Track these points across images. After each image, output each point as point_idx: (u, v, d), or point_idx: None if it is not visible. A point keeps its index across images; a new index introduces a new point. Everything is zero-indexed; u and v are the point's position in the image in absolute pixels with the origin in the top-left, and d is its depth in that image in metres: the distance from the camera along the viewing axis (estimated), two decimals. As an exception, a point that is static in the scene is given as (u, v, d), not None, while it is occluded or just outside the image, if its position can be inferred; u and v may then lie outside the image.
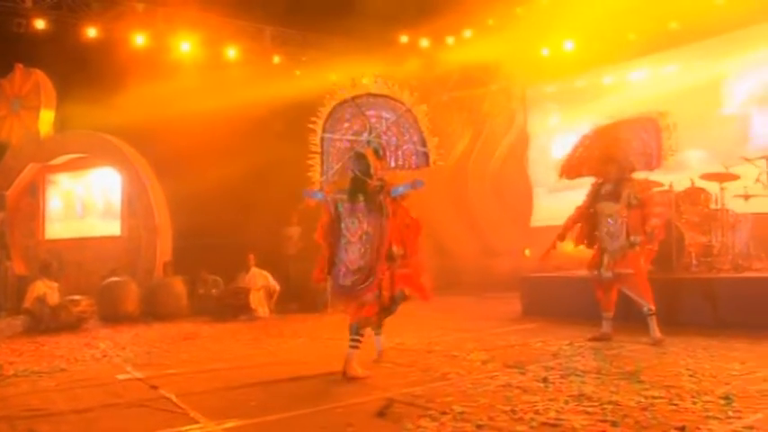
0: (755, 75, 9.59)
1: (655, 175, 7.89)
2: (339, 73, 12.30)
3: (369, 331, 5.06)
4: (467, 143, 13.57)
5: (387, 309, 4.99)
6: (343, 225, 4.84)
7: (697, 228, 7.57)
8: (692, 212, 7.68)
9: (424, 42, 12.23)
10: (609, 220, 5.89)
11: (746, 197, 7.43)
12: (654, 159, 5.89)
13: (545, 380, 4.37)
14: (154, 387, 4.65)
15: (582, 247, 6.29)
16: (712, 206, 7.69)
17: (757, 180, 7.42)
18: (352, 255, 4.76)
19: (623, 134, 6.06)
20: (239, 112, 10.58)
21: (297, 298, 9.90)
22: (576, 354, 5.32)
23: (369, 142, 5.05)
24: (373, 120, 5.13)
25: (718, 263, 7.29)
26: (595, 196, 6.04)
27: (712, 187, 7.72)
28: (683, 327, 6.17)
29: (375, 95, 5.15)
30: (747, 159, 7.60)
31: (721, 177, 7.58)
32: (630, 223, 5.80)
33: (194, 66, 11.00)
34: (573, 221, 6.24)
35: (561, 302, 7.64)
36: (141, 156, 11.05)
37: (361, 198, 4.80)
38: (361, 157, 4.88)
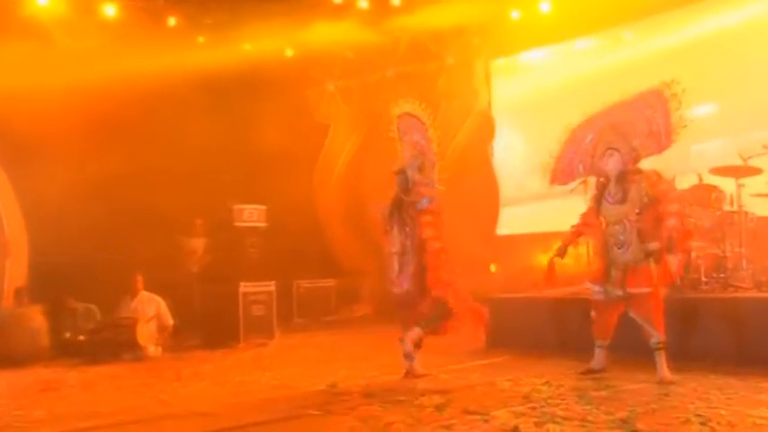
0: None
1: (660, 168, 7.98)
2: (255, 42, 12.25)
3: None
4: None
5: (426, 323, 6.28)
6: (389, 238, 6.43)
7: (707, 235, 7.61)
8: (701, 216, 7.71)
9: (363, 3, 12.12)
10: (616, 227, 5.92)
11: (771, 196, 7.50)
12: (663, 137, 5.90)
13: (515, 430, 4.32)
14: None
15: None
16: (726, 208, 7.74)
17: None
18: (395, 266, 6.37)
19: (624, 117, 6.10)
20: (120, 88, 10.29)
21: (200, 329, 9.78)
22: (554, 395, 5.28)
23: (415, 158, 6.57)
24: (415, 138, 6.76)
25: (734, 279, 7.32)
26: (599, 200, 6.07)
27: (726, 184, 7.77)
28: (692, 361, 6.10)
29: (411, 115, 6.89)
30: (769, 149, 7.67)
31: (738, 171, 7.65)
32: (643, 228, 5.80)
33: (57, 25, 10.59)
34: (577, 234, 6.30)
35: (536, 330, 7.60)
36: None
37: (396, 213, 6.41)
38: (400, 173, 6.47)
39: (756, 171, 7.55)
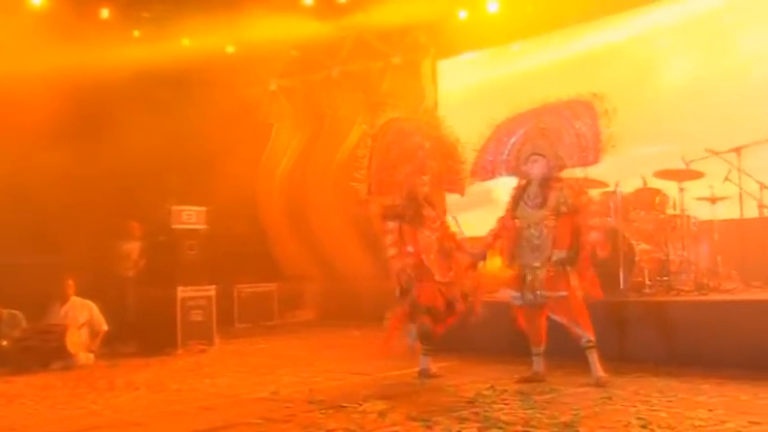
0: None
1: (597, 173, 8.15)
2: (194, 37, 12.12)
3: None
4: (363, 131, 13.53)
5: (438, 320, 6.46)
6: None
7: (651, 239, 7.80)
8: (645, 220, 7.91)
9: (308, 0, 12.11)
10: (532, 230, 5.96)
11: (713, 200, 7.71)
12: (590, 153, 5.91)
13: None
14: None
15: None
16: (670, 211, 7.95)
17: (726, 179, 7.67)
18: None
19: (550, 122, 6.14)
20: (49, 84, 10.12)
21: (135, 336, 9.62)
22: (498, 400, 5.33)
23: None
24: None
25: (677, 283, 7.52)
26: (518, 202, 6.10)
27: (670, 188, 7.98)
28: (635, 364, 6.28)
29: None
30: (714, 152, 7.85)
31: (681, 175, 7.83)
32: (558, 234, 5.85)
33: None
34: (494, 236, 6.29)
35: (480, 335, 7.62)
36: None
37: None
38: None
39: (698, 175, 7.72)
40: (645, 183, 8.17)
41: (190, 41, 12.22)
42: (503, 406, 5.10)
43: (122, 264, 10.72)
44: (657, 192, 8.07)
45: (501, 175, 6.39)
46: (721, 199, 7.67)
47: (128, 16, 11.86)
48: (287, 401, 5.68)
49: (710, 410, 4.69)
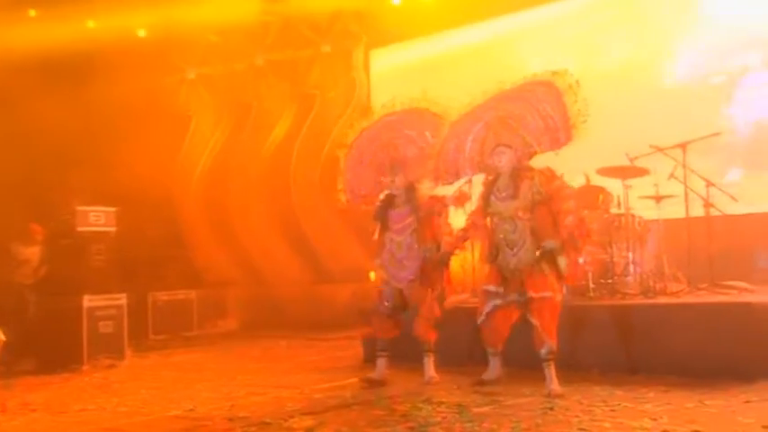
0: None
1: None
2: (101, 19, 11.87)
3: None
4: (290, 124, 13.51)
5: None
6: None
7: (595, 240, 7.90)
8: (588, 219, 7.99)
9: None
10: (506, 225, 5.98)
11: (658, 199, 7.85)
12: (561, 132, 5.96)
13: None
14: None
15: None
16: (614, 210, 8.08)
17: (671, 176, 7.80)
18: None
19: (510, 110, 6.16)
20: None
21: (35, 351, 9.38)
22: (434, 413, 5.33)
23: None
24: None
25: (622, 285, 7.65)
26: (488, 198, 6.11)
27: (614, 186, 8.11)
28: (578, 372, 6.34)
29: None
30: (659, 149, 7.98)
31: (625, 172, 7.94)
32: (538, 226, 5.90)
33: None
34: (464, 238, 6.42)
35: (417, 343, 7.65)
36: None
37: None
38: None
39: (644, 172, 7.83)
40: (588, 180, 8.30)
41: (96, 23, 11.94)
42: (439, 420, 5.10)
43: (21, 271, 10.50)
44: (601, 190, 8.19)
45: (467, 174, 6.47)
46: (666, 197, 7.80)
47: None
48: (205, 419, 5.61)
49: (655, 419, 4.77)
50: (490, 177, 6.17)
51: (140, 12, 11.74)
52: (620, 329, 6.65)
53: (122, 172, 12.02)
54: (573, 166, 8.45)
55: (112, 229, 9.86)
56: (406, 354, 7.43)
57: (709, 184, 7.74)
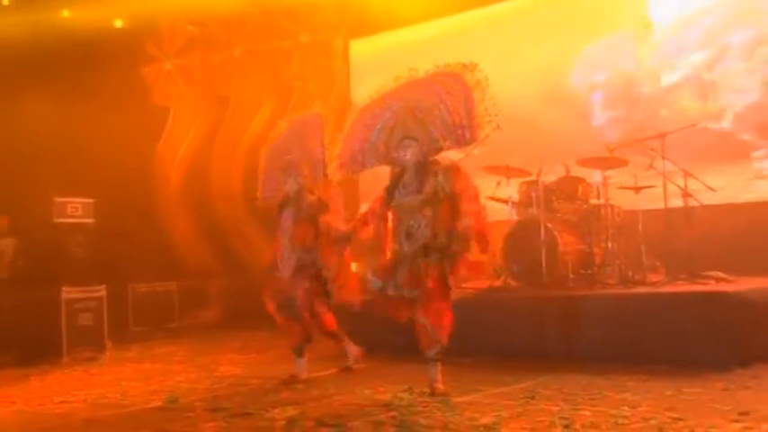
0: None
1: (519, 161, 8.31)
2: (76, 8, 11.77)
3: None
4: (268, 116, 13.46)
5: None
6: None
7: (574, 230, 7.98)
8: (568, 210, 8.09)
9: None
10: (410, 221, 5.74)
11: (637, 189, 7.89)
12: (466, 130, 5.68)
13: None
14: None
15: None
16: (593, 201, 8.12)
17: (650, 167, 7.82)
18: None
19: (420, 101, 5.92)
20: None
21: (13, 344, 9.28)
22: (416, 403, 5.38)
23: None
24: None
25: (601, 276, 7.72)
26: (393, 190, 5.88)
27: (593, 176, 8.15)
28: (557, 361, 6.46)
29: None
30: (638, 139, 8.03)
31: (604, 163, 7.98)
32: (438, 223, 5.64)
33: None
34: (363, 222, 6.12)
35: (398, 333, 7.66)
36: None
37: None
38: None
39: (623, 162, 7.86)
40: (567, 171, 8.33)
41: (71, 13, 11.83)
42: (421, 409, 5.15)
43: (-6, 263, 10.42)
44: (581, 180, 8.20)
45: (372, 165, 6.19)
46: (646, 188, 7.84)
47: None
48: (187, 410, 5.62)
49: (634, 407, 4.83)
50: (397, 170, 5.93)
51: (117, 1, 11.63)
52: (599, 319, 6.71)
53: (101, 163, 11.96)
54: (553, 157, 8.60)
55: (91, 220, 9.79)
56: (386, 345, 7.52)
57: (687, 174, 7.79)
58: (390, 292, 5.78)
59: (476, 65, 5.79)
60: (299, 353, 6.75)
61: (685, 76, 9.57)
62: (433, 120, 5.80)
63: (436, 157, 5.80)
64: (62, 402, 6.43)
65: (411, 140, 5.79)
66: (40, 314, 9.21)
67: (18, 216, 10.39)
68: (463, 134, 5.69)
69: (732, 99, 9.23)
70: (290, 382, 6.54)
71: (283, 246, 6.77)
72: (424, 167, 5.75)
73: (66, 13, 11.81)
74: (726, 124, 9.24)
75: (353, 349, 6.90)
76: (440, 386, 5.62)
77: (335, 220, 6.44)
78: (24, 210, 10.12)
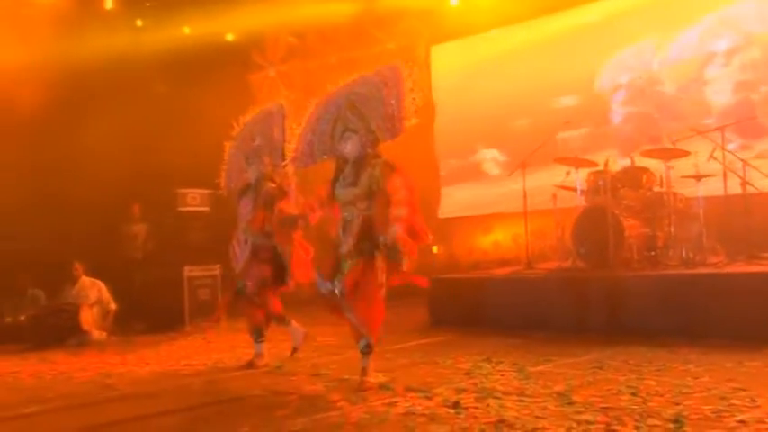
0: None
1: (588, 153, 8.16)
2: (195, 26, 12.04)
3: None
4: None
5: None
6: None
7: (639, 215, 7.79)
8: (633, 197, 7.90)
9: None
10: (346, 213, 5.30)
11: (698, 178, 7.69)
12: (396, 122, 5.25)
13: (456, 405, 4.34)
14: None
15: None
16: (657, 189, 7.94)
17: (711, 157, 7.62)
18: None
19: (361, 93, 5.46)
20: (53, 73, 10.01)
21: (144, 315, 9.64)
22: (494, 371, 5.34)
23: None
24: None
25: (664, 257, 7.53)
26: (335, 182, 5.42)
27: (657, 167, 7.95)
28: (624, 335, 6.32)
29: None
30: (699, 132, 7.85)
31: (667, 154, 7.80)
32: (376, 218, 5.13)
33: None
34: (310, 208, 5.60)
35: (477, 309, 7.69)
36: None
37: None
38: None
39: (684, 154, 7.67)
40: (633, 161, 8.18)
41: (190, 29, 12.13)
42: (499, 377, 5.11)
43: (130, 245, 10.74)
44: (645, 170, 8.03)
45: (322, 158, 5.68)
46: (706, 176, 7.64)
47: (131, 7, 11.77)
48: (291, 374, 5.70)
49: (697, 378, 4.71)
50: (340, 162, 5.43)
51: (229, 18, 11.85)
52: (662, 297, 6.54)
53: (215, 158, 12.14)
54: (620, 149, 8.44)
55: (207, 208, 10.05)
56: (465, 319, 7.50)
57: (745, 164, 7.56)
58: (323, 288, 5.33)
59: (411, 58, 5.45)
60: (255, 337, 6.44)
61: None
62: (371, 111, 5.35)
63: (378, 151, 5.30)
64: (186, 365, 6.63)
65: (351, 133, 5.33)
66: (167, 289, 9.52)
67: (148, 205, 10.69)
68: (395, 125, 5.27)
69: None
70: (249, 367, 6.21)
71: (241, 231, 6.39)
72: (363, 160, 5.26)
73: (186, 30, 12.09)
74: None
75: (299, 332, 6.45)
76: (368, 380, 5.11)
77: (290, 207, 6.06)
78: (153, 199, 10.40)
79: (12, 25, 10.15)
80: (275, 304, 6.43)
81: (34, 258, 9.66)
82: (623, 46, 10.42)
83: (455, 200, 12.53)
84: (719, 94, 9.43)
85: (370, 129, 5.30)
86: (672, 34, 9.94)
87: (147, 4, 11.87)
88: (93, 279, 9.33)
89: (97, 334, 8.90)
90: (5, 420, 4.85)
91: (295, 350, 6.49)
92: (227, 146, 6.91)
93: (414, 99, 5.23)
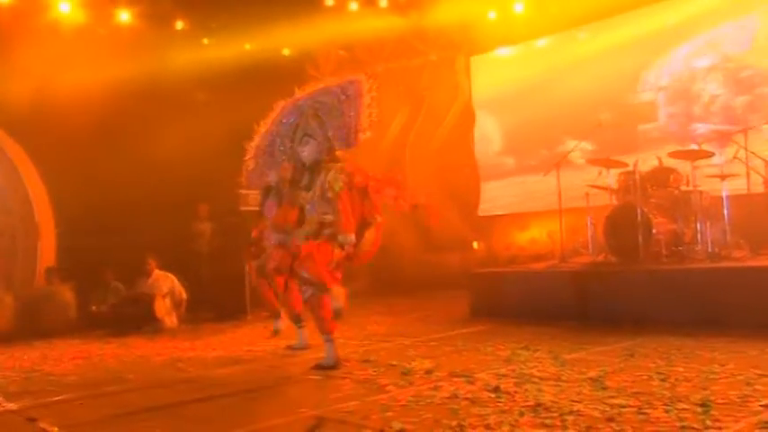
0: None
1: (618, 155, 8.08)
2: (255, 42, 12.20)
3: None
4: (404, 121, 13.53)
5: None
6: None
7: (667, 213, 7.68)
8: (661, 196, 7.79)
9: (353, 5, 12.11)
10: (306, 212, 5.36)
11: (722, 177, 7.54)
12: (351, 133, 5.20)
13: (497, 389, 4.34)
14: (31, 419, 4.40)
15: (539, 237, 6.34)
16: (683, 188, 7.81)
17: (734, 157, 7.50)
18: None
19: (323, 102, 5.43)
20: (133, 89, 10.23)
21: (211, 305, 9.83)
22: (531, 358, 5.32)
23: None
24: None
25: (691, 252, 7.40)
26: (294, 184, 5.52)
27: (683, 167, 7.84)
28: (654, 325, 6.24)
29: None
30: (723, 133, 7.76)
31: (693, 155, 7.68)
32: (336, 224, 5.16)
33: (76, 31, 10.43)
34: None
35: (515, 301, 7.66)
36: (13, 140, 10.49)
37: None
38: None
39: (709, 154, 7.57)
40: (660, 162, 8.06)
41: (251, 46, 12.28)
42: (536, 364, 5.09)
43: (198, 242, 10.94)
44: (672, 170, 7.92)
45: (283, 159, 5.67)
46: (730, 176, 7.51)
47: (199, 27, 11.94)
48: (344, 360, 5.68)
49: (723, 365, 4.64)
50: (298, 165, 5.47)
51: (285, 35, 11.98)
52: (689, 289, 6.45)
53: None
54: (648, 151, 8.33)
55: (266, 208, 10.16)
56: (503, 311, 7.47)
57: (767, 164, 7.41)
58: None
59: (372, 74, 5.44)
60: (296, 323, 6.55)
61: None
62: (331, 121, 5.30)
63: (335, 157, 5.26)
64: (248, 351, 6.72)
65: (309, 138, 5.31)
66: (231, 282, 9.66)
67: (214, 205, 10.87)
68: (350, 136, 5.21)
69: None
70: (288, 348, 6.50)
71: (268, 227, 6.74)
72: (318, 166, 5.24)
73: (247, 47, 12.27)
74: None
75: (282, 324, 7.30)
76: (325, 363, 5.28)
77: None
78: (218, 200, 10.55)
79: (98, 47, 10.41)
80: (297, 300, 6.20)
81: (116, 254, 9.88)
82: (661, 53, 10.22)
83: (494, 196, 12.47)
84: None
85: (327, 136, 5.26)
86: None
87: (213, 25, 12.03)
88: (165, 272, 9.52)
89: (169, 322, 9.10)
90: (93, 397, 5.01)
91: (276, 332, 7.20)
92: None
93: (370, 114, 5.19)
